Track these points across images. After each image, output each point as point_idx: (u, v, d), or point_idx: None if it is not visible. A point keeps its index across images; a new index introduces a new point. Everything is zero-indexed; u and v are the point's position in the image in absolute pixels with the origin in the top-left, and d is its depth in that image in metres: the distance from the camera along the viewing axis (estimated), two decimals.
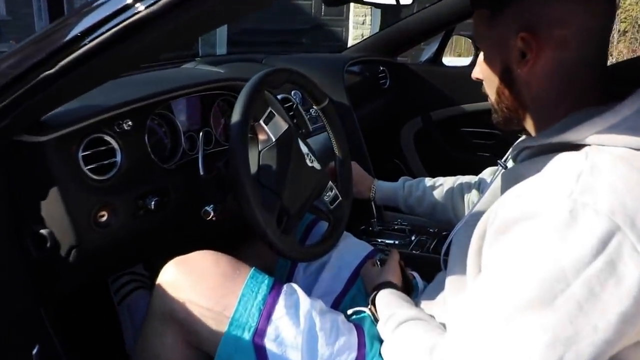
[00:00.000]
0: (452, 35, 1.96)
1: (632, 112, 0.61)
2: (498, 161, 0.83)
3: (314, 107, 1.07)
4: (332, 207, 1.03)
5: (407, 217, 1.43)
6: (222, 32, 6.43)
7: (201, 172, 0.93)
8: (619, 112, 0.61)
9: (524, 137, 0.80)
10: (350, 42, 6.74)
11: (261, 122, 0.89)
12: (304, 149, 0.97)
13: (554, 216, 0.56)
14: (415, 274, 1.01)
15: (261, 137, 0.91)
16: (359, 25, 6.84)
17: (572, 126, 0.65)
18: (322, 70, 1.52)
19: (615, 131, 0.61)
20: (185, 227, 1.02)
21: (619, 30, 6.56)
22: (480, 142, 1.97)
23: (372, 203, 1.31)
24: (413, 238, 1.33)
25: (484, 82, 0.80)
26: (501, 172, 0.81)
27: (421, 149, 2.05)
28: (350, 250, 1.07)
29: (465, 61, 2.22)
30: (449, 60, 2.08)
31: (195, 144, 1.01)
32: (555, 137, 0.66)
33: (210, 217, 0.88)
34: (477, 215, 0.72)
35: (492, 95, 0.78)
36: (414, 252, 1.27)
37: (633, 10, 6.55)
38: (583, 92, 0.69)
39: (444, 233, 1.34)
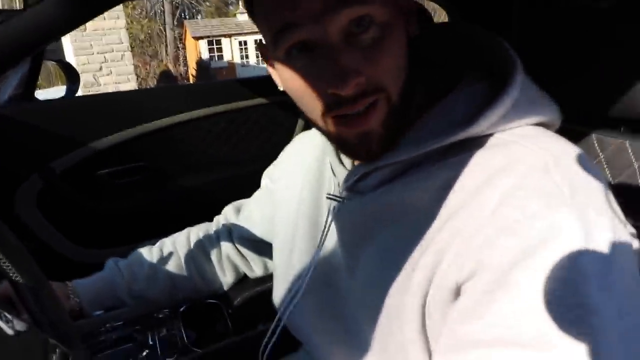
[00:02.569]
0: (43, 61, 1.48)
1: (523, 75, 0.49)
2: (329, 195, 0.58)
3: None
4: None
5: (108, 314, 0.97)
6: None
7: None
8: (517, 81, 0.48)
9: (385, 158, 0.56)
10: None
11: None
12: None
13: (570, 237, 0.39)
14: None
15: None
16: None
17: (461, 113, 0.48)
18: None
19: (521, 107, 0.48)
20: None
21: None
22: (125, 181, 1.60)
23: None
24: (151, 341, 0.91)
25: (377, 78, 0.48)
26: (346, 211, 0.56)
27: (53, 215, 1.50)
28: None
29: (57, 92, 1.75)
30: (41, 93, 1.58)
31: None
32: (447, 136, 0.48)
33: None
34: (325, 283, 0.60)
35: (395, 92, 0.48)
36: None
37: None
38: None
39: (182, 309, 0.98)
